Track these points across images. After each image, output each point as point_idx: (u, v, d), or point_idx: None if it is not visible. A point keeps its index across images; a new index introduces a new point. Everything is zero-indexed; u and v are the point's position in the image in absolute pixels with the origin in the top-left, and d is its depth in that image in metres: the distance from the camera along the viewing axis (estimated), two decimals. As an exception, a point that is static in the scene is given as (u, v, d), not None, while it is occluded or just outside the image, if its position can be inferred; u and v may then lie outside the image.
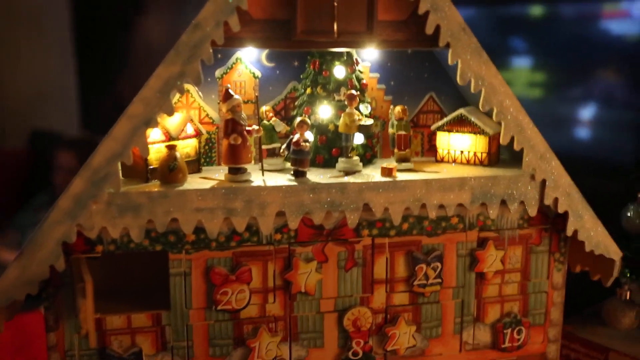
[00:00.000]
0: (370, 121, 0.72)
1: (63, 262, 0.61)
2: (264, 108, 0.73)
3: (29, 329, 1.42)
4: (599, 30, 1.39)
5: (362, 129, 0.71)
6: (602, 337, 0.88)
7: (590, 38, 1.41)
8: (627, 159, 0.91)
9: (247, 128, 0.66)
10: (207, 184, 0.65)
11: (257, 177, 0.68)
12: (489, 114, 0.71)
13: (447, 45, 0.67)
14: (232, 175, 0.66)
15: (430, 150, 0.80)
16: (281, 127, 0.72)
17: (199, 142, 0.71)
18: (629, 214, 0.88)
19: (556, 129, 0.66)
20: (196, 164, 0.70)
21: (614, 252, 0.74)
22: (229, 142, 0.65)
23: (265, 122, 0.72)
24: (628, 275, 0.87)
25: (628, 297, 0.88)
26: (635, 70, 1.28)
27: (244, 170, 0.66)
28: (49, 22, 3.74)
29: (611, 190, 0.89)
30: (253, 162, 0.71)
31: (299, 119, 0.68)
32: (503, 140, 0.70)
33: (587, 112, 1.40)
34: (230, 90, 0.66)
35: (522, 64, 1.52)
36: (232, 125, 0.65)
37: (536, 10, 1.54)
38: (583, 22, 1.44)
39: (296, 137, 0.67)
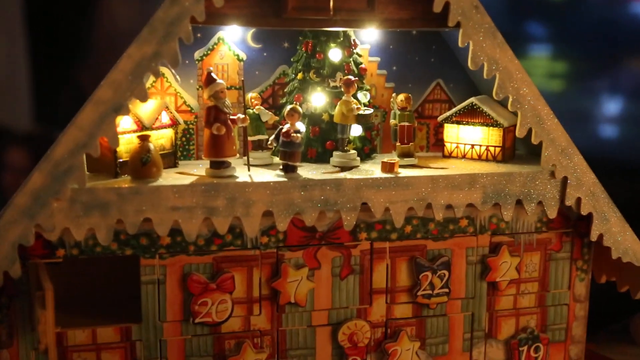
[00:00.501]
0: (369, 111, 0.71)
1: (19, 268, 0.60)
2: (249, 95, 0.72)
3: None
4: (627, 14, 1.39)
5: (360, 119, 0.71)
6: (630, 357, 0.88)
7: (618, 22, 1.40)
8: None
9: (232, 117, 0.66)
10: (185, 180, 0.64)
11: (242, 172, 0.67)
12: (503, 104, 0.71)
13: (457, 25, 0.66)
14: (214, 170, 0.66)
15: (436, 144, 0.79)
16: (268, 117, 0.72)
17: (176, 133, 0.71)
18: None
19: (579, 125, 0.66)
20: (172, 157, 0.70)
21: (644, 259, 0.74)
22: (211, 132, 0.65)
23: (250, 110, 0.72)
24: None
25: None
26: None
27: (227, 165, 0.66)
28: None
29: (640, 192, 0.89)
30: (237, 155, 0.71)
31: (289, 107, 0.68)
32: (519, 132, 0.70)
33: (613, 107, 1.40)
34: (212, 74, 0.66)
35: (540, 52, 1.48)
36: (215, 113, 0.65)
37: None
38: (609, 5, 1.44)
39: (286, 127, 0.67)
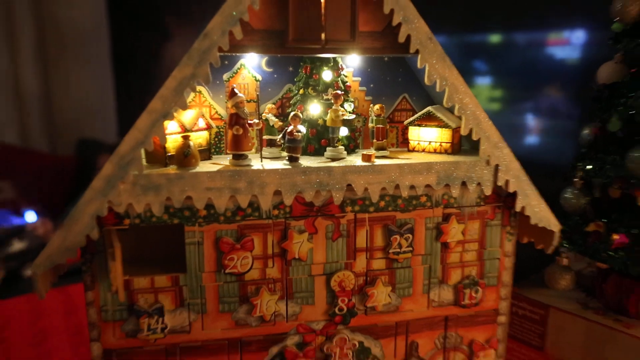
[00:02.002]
0: (352, 116, 0.72)
1: (97, 232, 0.62)
2: (268, 106, 0.73)
3: (75, 296, 1.43)
4: (545, 55, 1.44)
5: (346, 123, 0.72)
6: (544, 297, 0.88)
7: (538, 61, 1.45)
8: (566, 159, 0.92)
9: (249, 121, 0.67)
10: (216, 168, 0.65)
11: (258, 163, 0.68)
12: (451, 111, 0.71)
13: (417, 52, 0.67)
14: (236, 161, 0.66)
15: (403, 142, 0.80)
16: (273, 122, 0.72)
17: (210, 134, 0.71)
18: (566, 196, 0.88)
19: (511, 136, 0.67)
20: (207, 153, 0.71)
21: (554, 224, 0.74)
22: (232, 133, 0.66)
23: (264, 116, 0.72)
24: (566, 245, 0.87)
25: (565, 264, 0.88)
26: (574, 87, 1.32)
27: (245, 157, 0.66)
28: (92, 49, 3.74)
29: (554, 183, 0.90)
30: (255, 151, 0.71)
31: (292, 113, 0.69)
32: (463, 131, 0.70)
33: (535, 122, 1.48)
34: (235, 90, 0.67)
35: (483, 82, 1.58)
36: (235, 119, 0.66)
37: (494, 38, 1.57)
38: (532, 48, 1.48)
39: (290, 128, 0.68)
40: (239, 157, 0.66)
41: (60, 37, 3.59)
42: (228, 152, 0.68)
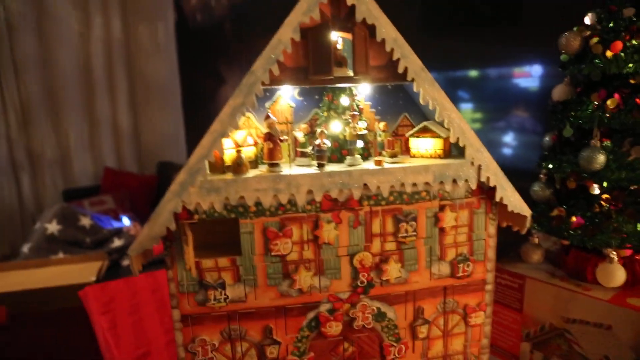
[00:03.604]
0: (365, 132, 0.70)
1: (174, 225, 0.61)
2: (301, 126, 0.71)
3: (160, 278, 1.42)
4: (512, 85, 1.44)
5: (361, 137, 0.69)
6: (521, 269, 0.85)
7: (508, 90, 1.45)
8: (533, 162, 0.89)
9: (281, 138, 0.65)
10: (261, 174, 0.63)
11: (294, 169, 0.66)
12: (442, 124, 0.69)
13: (412, 80, 0.65)
14: (270, 168, 0.65)
15: (406, 151, 0.77)
16: (300, 137, 0.70)
17: (257, 149, 0.70)
18: (534, 188, 0.85)
19: (491, 147, 0.65)
20: (255, 163, 0.69)
21: (526, 210, 0.71)
22: (267, 147, 0.64)
23: (300, 135, 0.70)
24: (536, 227, 0.83)
25: (536, 242, 0.84)
26: (536, 110, 1.32)
27: (277, 165, 0.65)
28: (168, 95, 3.80)
29: (525, 181, 0.87)
30: (290, 160, 0.69)
31: (319, 130, 0.67)
32: (452, 140, 0.68)
33: (508, 136, 1.47)
34: (269, 114, 0.65)
35: (467, 107, 1.57)
36: (268, 136, 0.64)
37: (473, 73, 1.57)
38: (502, 80, 1.48)
39: (318, 141, 0.66)
40: (272, 165, 0.65)
41: (146, 87, 3.66)
42: (264, 161, 0.66)
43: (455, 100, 1.45)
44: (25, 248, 2.46)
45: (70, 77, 3.36)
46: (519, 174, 0.84)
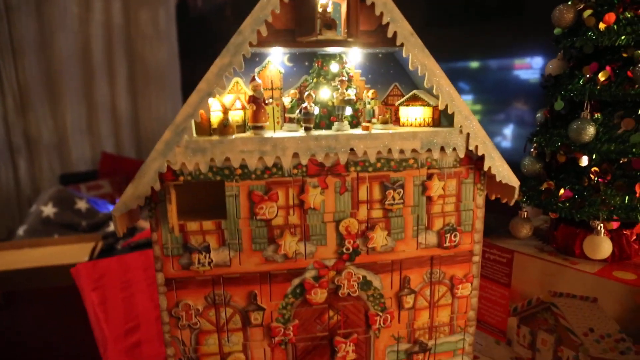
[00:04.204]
0: (352, 95, 0.69)
1: (159, 185, 0.61)
2: (290, 92, 0.71)
3: (151, 257, 1.43)
4: (512, 77, 1.42)
5: (347, 102, 0.69)
6: (509, 244, 0.85)
7: (508, 81, 1.43)
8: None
9: (266, 101, 0.65)
10: (247, 136, 0.63)
11: (282, 133, 0.66)
12: (431, 93, 0.68)
13: (402, 45, 0.65)
14: (255, 131, 0.65)
15: (396, 120, 0.77)
16: (287, 102, 0.70)
17: (244, 114, 0.69)
18: (524, 163, 0.85)
19: (493, 134, 0.65)
20: (242, 128, 0.69)
21: (514, 181, 0.71)
22: (251, 109, 0.64)
23: (287, 100, 0.70)
24: (525, 200, 0.83)
25: (525, 216, 0.84)
26: (535, 102, 1.31)
27: (262, 127, 0.64)
28: (168, 81, 3.79)
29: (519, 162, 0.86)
30: (279, 125, 0.69)
31: (306, 93, 0.67)
32: (441, 106, 0.67)
33: (506, 130, 1.47)
34: (255, 77, 0.65)
35: (467, 98, 1.57)
36: (252, 98, 0.64)
37: (474, 64, 1.56)
38: (503, 72, 1.47)
39: (305, 104, 0.66)
40: (257, 128, 0.64)
41: (145, 72, 3.65)
42: (249, 124, 0.66)
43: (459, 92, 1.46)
44: (21, 230, 2.46)
45: (69, 61, 3.35)
46: (515, 157, 0.84)
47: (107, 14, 3.47)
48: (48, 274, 1.68)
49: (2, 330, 1.51)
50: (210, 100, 0.62)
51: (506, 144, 1.45)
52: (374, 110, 0.71)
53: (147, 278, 1.31)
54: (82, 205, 2.59)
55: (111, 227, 2.57)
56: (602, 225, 0.73)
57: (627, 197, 0.72)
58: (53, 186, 2.92)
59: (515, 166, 0.74)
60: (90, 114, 3.53)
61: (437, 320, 0.75)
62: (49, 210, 2.51)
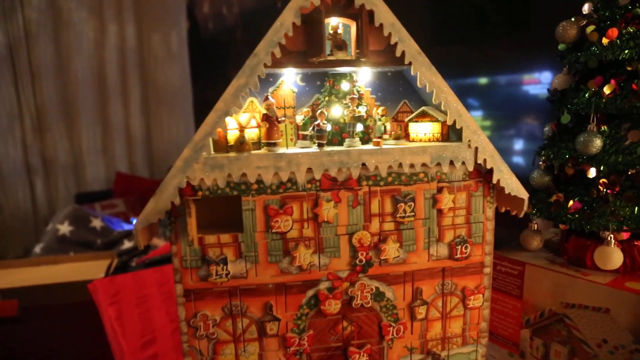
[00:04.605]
0: (363, 113, 0.71)
1: (179, 200, 0.63)
2: (303, 110, 0.73)
3: (167, 273, 1.45)
4: (521, 92, 1.44)
5: (357, 118, 0.71)
6: (520, 256, 0.86)
7: (517, 97, 1.45)
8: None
9: (279, 119, 0.68)
10: (263, 152, 0.66)
11: (295, 149, 0.68)
12: (439, 109, 0.70)
13: (410, 63, 0.67)
14: (268, 147, 0.67)
15: (406, 136, 0.79)
16: (299, 119, 0.72)
17: (259, 131, 0.72)
18: (533, 176, 0.87)
19: (502, 150, 0.68)
20: (257, 144, 0.71)
21: (523, 193, 0.72)
22: (265, 127, 0.67)
23: (301, 119, 0.73)
24: (535, 213, 0.84)
25: (535, 228, 0.85)
26: (543, 116, 1.32)
27: (275, 144, 0.67)
28: (180, 102, 3.86)
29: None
30: (293, 142, 0.71)
31: (319, 111, 0.69)
32: (449, 121, 0.69)
33: (517, 145, 1.48)
34: (269, 97, 0.68)
35: (476, 114, 1.58)
36: (265, 117, 0.67)
37: (483, 80, 1.58)
38: (512, 87, 1.48)
39: (318, 121, 0.68)
40: (270, 145, 0.67)
41: (158, 94, 3.74)
42: (263, 141, 0.68)
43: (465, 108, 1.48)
44: (37, 248, 2.51)
45: (84, 84, 3.45)
46: (524, 171, 0.86)
47: (121, 38, 3.57)
48: (64, 290, 1.71)
49: (20, 344, 1.53)
50: (227, 119, 0.65)
51: (517, 159, 1.46)
52: (385, 127, 0.74)
53: (163, 293, 1.33)
54: (97, 223, 2.64)
55: (126, 245, 2.61)
56: (612, 236, 0.74)
57: (636, 208, 0.73)
58: (69, 205, 2.98)
59: (525, 181, 0.76)
60: (105, 135, 3.61)
61: (450, 331, 0.76)
62: (64, 228, 2.56)
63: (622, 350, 0.72)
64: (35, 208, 3.45)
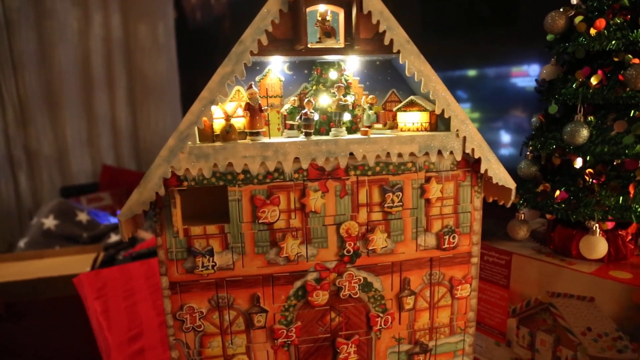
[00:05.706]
0: (349, 101, 0.71)
1: (163, 190, 0.62)
2: (290, 99, 0.72)
3: (154, 266, 1.44)
4: (510, 85, 1.43)
5: (343, 107, 0.70)
6: (507, 246, 0.86)
7: (505, 89, 1.45)
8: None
9: (262, 108, 0.67)
10: (249, 142, 0.65)
11: (282, 138, 0.68)
12: (428, 98, 0.70)
13: (398, 52, 0.67)
14: (251, 137, 0.66)
15: (395, 125, 0.78)
16: (285, 108, 0.71)
17: (246, 121, 0.71)
18: (521, 166, 0.87)
19: (491, 142, 0.68)
20: (244, 134, 0.70)
21: (511, 183, 0.73)
22: (247, 116, 0.66)
23: (288, 107, 0.72)
24: (522, 203, 0.84)
25: (522, 218, 0.86)
26: (531, 108, 1.33)
27: (258, 134, 0.66)
28: (167, 94, 3.82)
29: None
30: (280, 132, 0.71)
31: (306, 99, 0.69)
32: (437, 110, 0.69)
33: (505, 137, 1.48)
34: (253, 86, 0.67)
35: (465, 106, 1.58)
36: (247, 106, 0.66)
37: (472, 73, 1.58)
38: (500, 80, 1.48)
39: (305, 110, 0.67)
40: (253, 134, 0.66)
41: (145, 85, 3.69)
42: (246, 129, 0.67)
43: (460, 100, 1.49)
44: (22, 243, 2.47)
45: (68, 74, 3.39)
46: (512, 162, 0.86)
47: (107, 28, 3.51)
48: (50, 285, 1.70)
49: (4, 341, 1.51)
50: (213, 108, 0.64)
51: (505, 150, 1.47)
52: (377, 116, 0.73)
53: (149, 286, 1.32)
54: (82, 217, 2.61)
55: (112, 239, 2.59)
56: (597, 225, 0.75)
57: (621, 198, 0.74)
58: (54, 199, 2.94)
59: (513, 172, 0.76)
60: (90, 126, 3.55)
61: (437, 321, 0.76)
62: (50, 222, 2.53)
63: (605, 337, 0.73)
64: (20, 202, 3.40)
